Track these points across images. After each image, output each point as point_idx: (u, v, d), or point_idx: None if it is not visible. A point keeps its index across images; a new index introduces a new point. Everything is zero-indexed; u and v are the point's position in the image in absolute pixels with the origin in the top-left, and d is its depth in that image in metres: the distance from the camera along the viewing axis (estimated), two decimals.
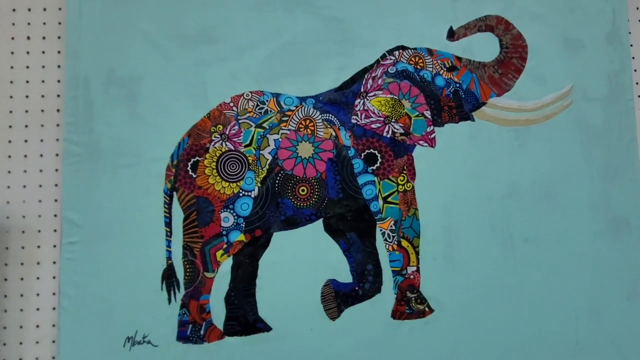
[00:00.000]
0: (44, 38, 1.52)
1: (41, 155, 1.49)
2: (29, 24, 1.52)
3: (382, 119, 1.50)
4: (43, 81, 1.51)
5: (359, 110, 1.50)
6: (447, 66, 1.53)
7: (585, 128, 1.54)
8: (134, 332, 1.41)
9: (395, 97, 1.51)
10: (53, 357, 1.44)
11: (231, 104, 1.48)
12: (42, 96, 1.51)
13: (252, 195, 1.44)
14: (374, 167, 1.48)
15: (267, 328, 1.43)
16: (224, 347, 1.42)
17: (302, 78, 1.50)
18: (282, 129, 1.47)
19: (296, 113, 1.48)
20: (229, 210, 1.44)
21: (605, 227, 1.52)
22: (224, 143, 1.46)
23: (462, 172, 1.50)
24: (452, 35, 1.54)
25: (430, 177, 1.49)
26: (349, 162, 1.47)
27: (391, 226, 1.47)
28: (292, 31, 1.51)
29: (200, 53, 1.49)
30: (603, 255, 1.51)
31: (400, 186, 1.48)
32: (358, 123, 1.49)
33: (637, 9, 1.63)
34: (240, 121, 1.47)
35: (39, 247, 1.47)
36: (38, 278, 1.46)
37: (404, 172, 1.49)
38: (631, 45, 1.61)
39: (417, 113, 1.51)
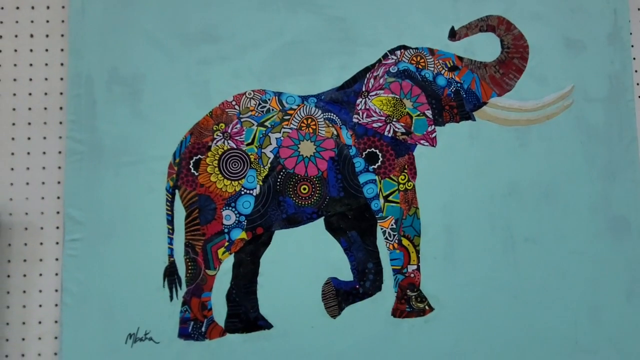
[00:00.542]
0: (47, 36, 1.52)
1: (44, 153, 1.50)
2: (32, 21, 1.52)
3: (384, 118, 1.50)
4: (46, 79, 1.52)
5: (361, 109, 1.50)
6: (449, 66, 1.53)
7: (585, 128, 1.55)
8: (135, 328, 1.41)
9: (396, 96, 1.51)
10: (55, 353, 1.44)
11: (233, 103, 1.48)
12: (45, 94, 1.51)
13: (254, 194, 1.45)
14: (375, 166, 1.48)
15: (268, 325, 1.44)
16: (225, 344, 1.43)
17: (304, 77, 1.51)
18: (284, 128, 1.48)
19: (298, 112, 1.49)
20: (230, 208, 1.44)
21: (605, 227, 1.52)
22: (226, 141, 1.46)
23: (462, 172, 1.51)
24: (453, 35, 1.54)
25: (431, 176, 1.50)
26: (350, 161, 1.48)
27: (392, 225, 1.48)
28: (294, 30, 1.52)
29: (202, 52, 1.49)
30: (603, 255, 1.51)
31: (401, 185, 1.49)
32: (359, 122, 1.50)
33: (639, 9, 1.64)
34: (242, 120, 1.48)
35: (41, 244, 1.48)
36: (41, 275, 1.47)
37: (405, 171, 1.49)
38: (632, 46, 1.61)
39: (419, 112, 1.51)
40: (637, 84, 1.61)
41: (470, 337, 1.47)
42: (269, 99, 1.49)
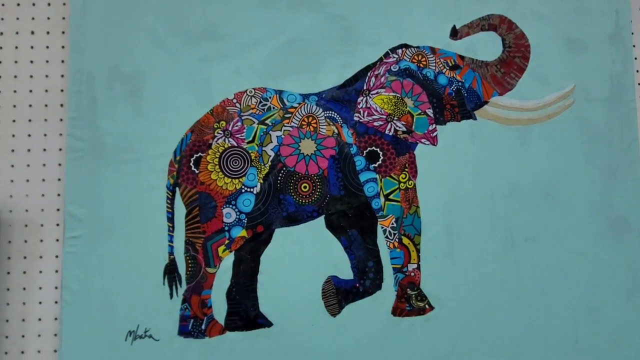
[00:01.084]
0: (48, 33, 1.52)
1: (44, 150, 1.50)
2: (33, 18, 1.52)
3: (385, 116, 1.50)
4: (47, 76, 1.51)
5: (362, 107, 1.50)
6: (450, 65, 1.53)
7: (586, 128, 1.55)
8: (135, 326, 1.41)
9: (397, 95, 1.51)
10: (55, 350, 1.44)
11: (234, 101, 1.48)
12: (46, 91, 1.51)
13: (255, 192, 1.45)
14: (376, 165, 1.48)
15: (268, 323, 1.44)
16: (225, 342, 1.43)
17: (305, 75, 1.51)
18: (285, 126, 1.47)
19: (299, 110, 1.49)
20: (231, 206, 1.44)
21: (605, 227, 1.52)
22: (226, 139, 1.46)
23: (463, 171, 1.51)
24: (455, 34, 1.54)
25: (432, 175, 1.50)
26: (351, 159, 1.48)
27: (392, 223, 1.48)
28: (295, 28, 1.52)
29: (204, 49, 1.49)
30: (603, 255, 1.51)
31: (402, 184, 1.49)
32: (360, 121, 1.50)
33: None
34: (243, 118, 1.47)
35: (41, 241, 1.47)
36: (40, 272, 1.47)
37: (406, 169, 1.49)
38: (634, 46, 1.61)
39: (420, 111, 1.51)
40: (639, 84, 1.61)
41: (470, 336, 1.47)
42: (270, 97, 1.49)
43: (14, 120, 1.50)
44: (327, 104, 1.50)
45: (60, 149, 1.49)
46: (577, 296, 1.50)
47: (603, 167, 1.54)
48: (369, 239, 1.48)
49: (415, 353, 1.45)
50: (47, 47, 1.52)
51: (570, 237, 1.51)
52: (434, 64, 1.53)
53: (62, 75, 1.51)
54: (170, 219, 1.44)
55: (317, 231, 1.47)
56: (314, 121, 1.48)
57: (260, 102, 1.49)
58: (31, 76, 1.51)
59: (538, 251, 1.50)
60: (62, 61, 1.52)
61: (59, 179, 1.49)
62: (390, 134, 1.50)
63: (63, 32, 1.52)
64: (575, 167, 1.53)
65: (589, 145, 1.54)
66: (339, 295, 1.46)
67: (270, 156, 1.46)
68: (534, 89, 1.54)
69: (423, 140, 1.51)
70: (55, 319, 1.45)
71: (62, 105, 1.51)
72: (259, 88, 1.50)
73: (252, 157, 1.46)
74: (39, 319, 1.45)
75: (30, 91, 1.51)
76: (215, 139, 1.46)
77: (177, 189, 1.45)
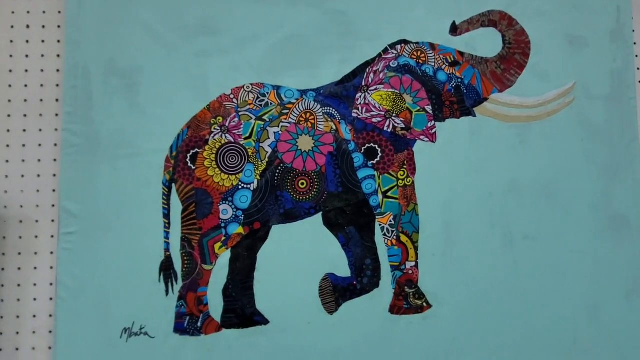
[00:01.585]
0: (43, 27, 1.51)
1: (40, 145, 1.48)
2: (28, 12, 1.51)
3: (383, 113, 1.49)
4: (42, 70, 1.50)
5: (360, 104, 1.49)
6: (450, 61, 1.52)
7: (587, 126, 1.54)
8: (131, 323, 1.40)
9: (396, 91, 1.50)
10: (50, 347, 1.43)
11: (231, 96, 1.47)
12: (41, 85, 1.50)
13: (252, 188, 1.44)
14: (374, 162, 1.47)
15: (265, 321, 1.43)
16: (221, 340, 1.42)
17: (304, 71, 1.49)
18: (283, 122, 1.46)
19: (297, 106, 1.47)
20: (227, 202, 1.43)
21: (605, 226, 1.52)
22: (223, 135, 1.45)
23: (462, 168, 1.50)
24: (454, 30, 1.53)
25: (431, 173, 1.49)
26: (349, 156, 1.47)
27: (390, 221, 1.47)
28: (294, 24, 1.51)
29: (201, 44, 1.48)
30: (603, 254, 1.51)
31: (400, 181, 1.48)
32: (359, 117, 1.49)
33: None
34: (240, 113, 1.46)
35: (36, 237, 1.46)
36: (35, 268, 1.46)
37: (404, 166, 1.48)
38: (635, 44, 1.60)
39: (419, 108, 1.50)
40: (639, 82, 1.60)
41: (468, 334, 1.46)
42: (267, 93, 1.48)
43: (9, 115, 1.49)
44: (325, 100, 1.49)
45: (55, 144, 1.48)
46: (576, 295, 1.49)
47: (603, 165, 1.53)
48: (367, 237, 1.47)
49: (413, 351, 1.45)
50: (43, 41, 1.50)
51: (569, 236, 1.50)
52: (434, 60, 1.51)
53: (58, 70, 1.50)
54: (167, 215, 1.43)
55: (315, 228, 1.46)
56: (312, 117, 1.47)
57: (258, 97, 1.47)
58: (26, 70, 1.50)
59: (537, 249, 1.49)
60: (58, 55, 1.50)
61: (54, 175, 1.47)
62: (389, 130, 1.48)
63: (59, 26, 1.51)
64: (575, 165, 1.53)
65: (589, 143, 1.54)
66: (336, 292, 1.45)
67: (267, 152, 1.45)
68: (534, 86, 1.53)
69: (422, 137, 1.50)
70: (50, 315, 1.44)
71: (57, 100, 1.49)
72: (257, 84, 1.48)
73: (249, 154, 1.45)
74: (34, 316, 1.44)
75: (26, 86, 1.49)
76: (212, 135, 1.45)
77: (173, 185, 1.44)
